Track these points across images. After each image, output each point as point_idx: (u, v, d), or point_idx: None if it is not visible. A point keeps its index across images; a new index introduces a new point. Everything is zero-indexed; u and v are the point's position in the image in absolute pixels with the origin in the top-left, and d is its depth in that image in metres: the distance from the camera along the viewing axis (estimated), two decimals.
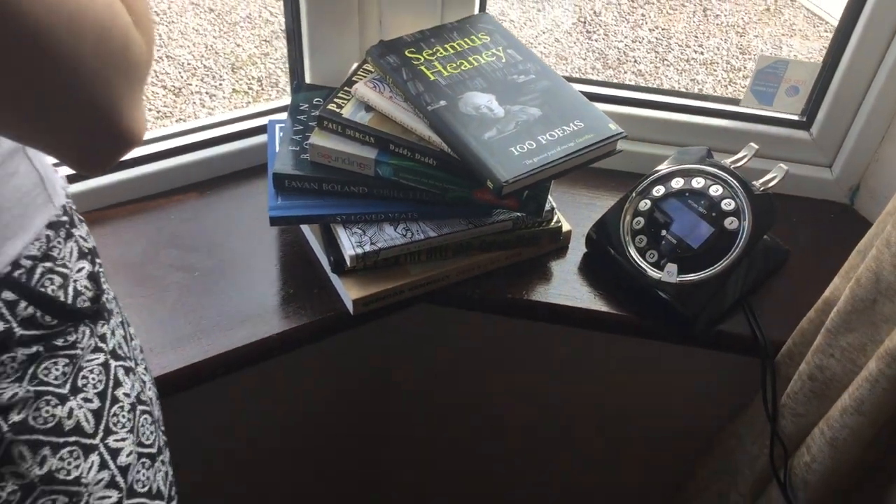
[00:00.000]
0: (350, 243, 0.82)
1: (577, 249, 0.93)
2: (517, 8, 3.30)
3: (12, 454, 0.56)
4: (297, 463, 1.15)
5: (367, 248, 0.82)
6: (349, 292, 0.83)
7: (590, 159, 0.80)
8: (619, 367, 1.04)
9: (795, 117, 0.98)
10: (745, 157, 0.89)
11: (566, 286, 0.89)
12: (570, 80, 0.89)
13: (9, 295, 0.56)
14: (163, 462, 0.67)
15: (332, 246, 0.84)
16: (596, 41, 3.15)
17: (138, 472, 0.63)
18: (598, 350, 1.01)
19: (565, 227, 0.91)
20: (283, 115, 0.92)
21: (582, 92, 0.86)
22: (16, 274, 0.56)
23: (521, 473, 1.22)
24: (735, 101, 0.99)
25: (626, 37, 3.20)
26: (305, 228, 0.90)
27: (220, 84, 2.79)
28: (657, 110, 0.99)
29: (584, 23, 3.25)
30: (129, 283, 0.84)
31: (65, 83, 0.43)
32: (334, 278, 0.85)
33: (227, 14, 3.10)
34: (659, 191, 0.88)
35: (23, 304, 0.57)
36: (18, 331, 0.56)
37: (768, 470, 0.87)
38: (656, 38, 3.22)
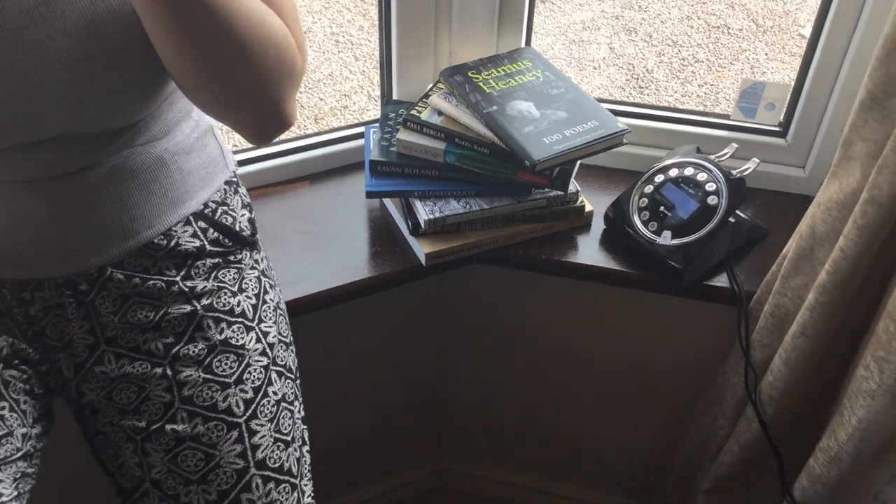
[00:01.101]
0: (424, 212, 1.11)
1: (597, 227, 1.20)
2: (574, 68, 3.61)
3: (202, 324, 0.85)
4: (372, 392, 1.43)
5: (437, 215, 1.11)
6: (423, 248, 1.11)
7: (602, 147, 1.09)
8: (631, 317, 1.29)
9: (774, 128, 1.25)
10: (726, 153, 1.16)
11: (588, 251, 1.16)
12: (600, 100, 1.18)
13: (202, 224, 0.86)
14: (292, 350, 0.96)
15: (410, 214, 1.13)
16: (647, 96, 3.43)
17: (279, 350, 0.92)
18: (613, 304, 1.27)
19: (588, 207, 1.19)
20: (376, 126, 1.23)
21: (607, 108, 1.14)
22: (206, 211, 0.87)
23: (556, 409, 1.47)
24: (726, 116, 1.27)
25: (675, 91, 3.48)
26: (389, 204, 1.19)
27: (304, 133, 3.16)
28: (663, 122, 1.27)
29: (637, 79, 3.54)
30: (264, 239, 1.14)
31: (256, 82, 0.70)
32: (411, 240, 1.14)
33: (312, 72, 3.48)
34: (659, 178, 1.15)
35: (210, 230, 0.87)
36: (208, 247, 0.87)
37: (744, 393, 1.12)
38: (705, 93, 3.49)
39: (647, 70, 3.60)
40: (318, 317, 1.12)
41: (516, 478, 1.61)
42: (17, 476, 0.73)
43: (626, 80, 3.55)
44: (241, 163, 1.23)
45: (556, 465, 1.57)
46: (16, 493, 0.71)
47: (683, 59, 3.69)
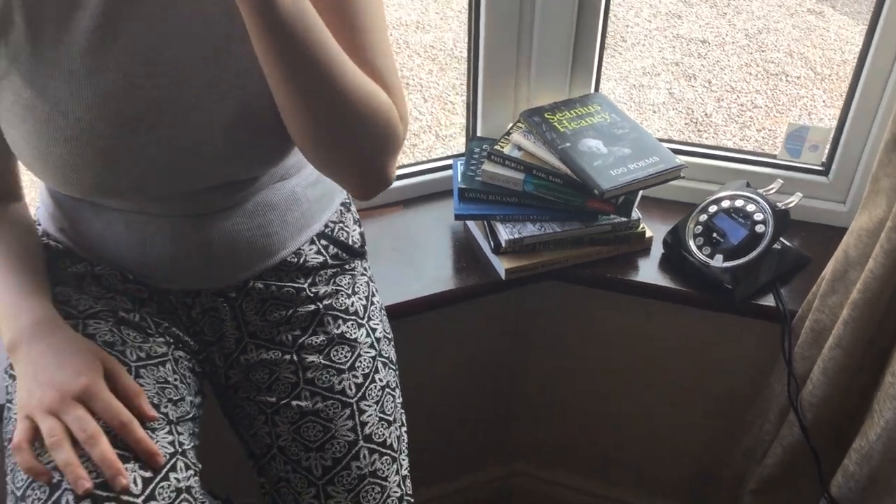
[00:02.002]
0: (505, 233, 1.28)
1: (656, 251, 1.35)
2: (635, 111, 3.77)
3: (323, 321, 1.03)
4: (449, 394, 1.59)
5: (516, 236, 1.28)
6: (503, 265, 1.28)
7: (662, 179, 1.25)
8: (685, 333, 1.43)
9: (817, 167, 1.39)
10: (773, 188, 1.31)
11: (648, 272, 1.32)
12: (661, 139, 1.34)
13: (324, 242, 1.05)
14: (393, 345, 1.13)
15: (492, 235, 1.30)
16: (706, 139, 3.57)
17: (383, 344, 1.09)
18: (670, 320, 1.42)
19: (648, 233, 1.34)
20: (462, 159, 1.40)
21: (669, 148, 1.31)
22: (326, 230, 1.06)
23: (618, 417, 1.61)
24: (774, 156, 1.41)
25: (734, 135, 3.61)
26: (472, 227, 1.36)
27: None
28: (717, 160, 1.42)
29: (696, 122, 3.68)
30: None
31: (363, 149, 0.85)
32: (493, 257, 1.31)
33: (412, 123, 3.70)
34: (713, 208, 1.30)
35: (330, 246, 1.06)
36: (328, 260, 1.05)
37: (787, 401, 1.25)
38: (763, 138, 3.61)
39: (706, 114, 3.74)
40: (407, 322, 1.29)
41: (582, 483, 1.74)
42: (190, 433, 0.91)
43: (685, 123, 3.69)
44: None
45: (618, 471, 1.70)
46: (191, 445, 0.89)
47: (742, 105, 3.82)
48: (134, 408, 0.83)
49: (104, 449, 0.77)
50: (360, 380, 1.00)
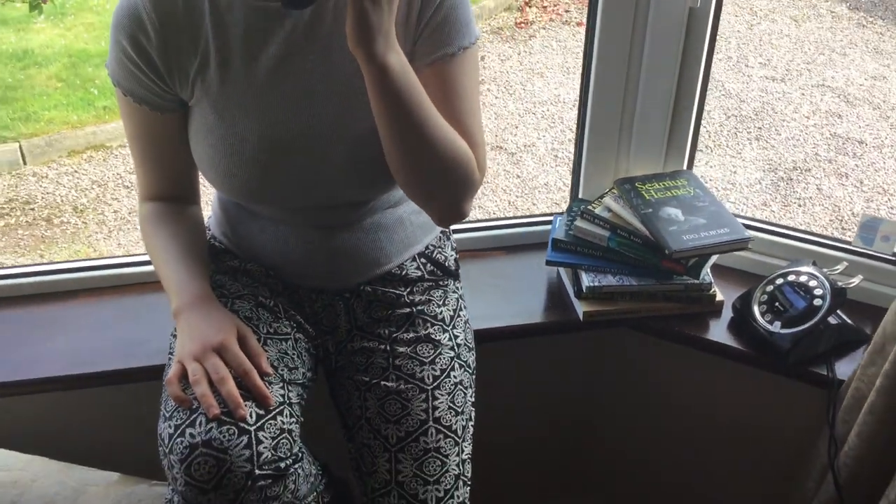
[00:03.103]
0: (587, 281, 1.48)
1: (726, 313, 1.51)
2: (779, 202, 3.83)
3: (415, 322, 1.27)
4: (525, 423, 1.77)
5: (597, 284, 1.47)
6: (583, 307, 1.48)
7: (728, 248, 1.42)
8: (743, 390, 1.56)
9: (888, 256, 1.51)
10: (837, 269, 1.45)
11: (715, 330, 1.47)
12: (736, 215, 1.50)
13: (423, 260, 1.30)
14: (473, 354, 1.34)
15: (577, 281, 1.51)
16: (849, 236, 3.58)
17: (463, 350, 1.31)
18: (731, 377, 1.55)
19: (719, 297, 1.50)
20: (562, 216, 1.62)
21: (745, 225, 1.48)
22: (426, 251, 1.31)
23: (679, 462, 1.74)
24: (848, 242, 1.54)
25: None
26: (562, 273, 1.57)
27: (502, 216, 3.61)
28: (796, 241, 1.57)
29: (841, 220, 3.70)
30: (469, 287, 1.55)
31: (445, 188, 1.12)
32: (575, 301, 1.51)
33: (530, 180, 3.95)
34: (779, 281, 1.45)
35: (428, 264, 1.30)
36: (425, 276, 1.30)
37: (827, 461, 1.36)
38: None
39: (853, 213, 3.75)
40: (498, 346, 1.50)
41: None
42: (298, 394, 1.16)
43: (830, 220, 3.72)
44: (462, 231, 1.66)
45: None
46: (297, 402, 1.14)
47: (892, 208, 3.80)
48: (256, 364, 1.10)
49: (230, 388, 1.03)
50: (438, 373, 1.23)
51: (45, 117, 4.10)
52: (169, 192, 1.25)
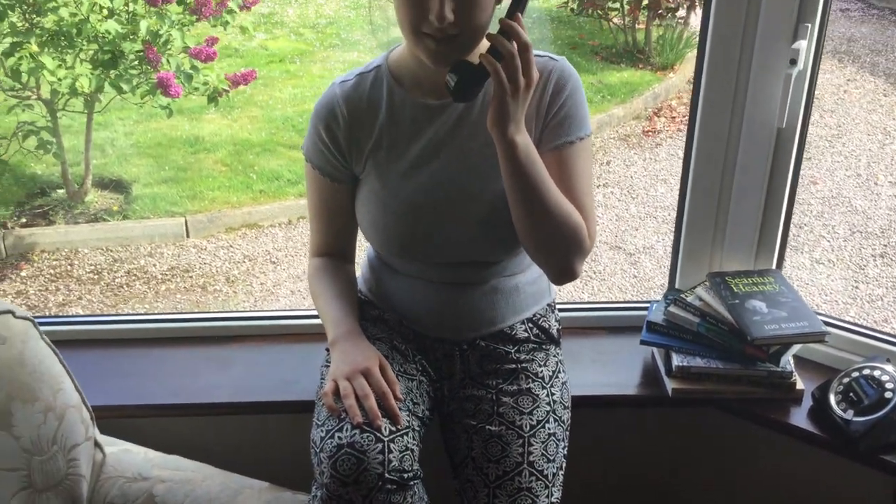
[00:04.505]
0: (677, 361, 1.67)
1: (807, 402, 1.65)
2: (857, 305, 3.84)
3: (518, 377, 1.50)
4: (610, 489, 1.93)
5: (685, 364, 1.66)
6: (671, 384, 1.66)
7: (805, 340, 1.58)
8: (817, 474, 1.68)
9: None
10: None
11: (795, 416, 1.62)
12: (820, 314, 1.67)
13: (530, 325, 1.53)
14: (569, 412, 1.54)
15: (667, 361, 1.69)
16: None
17: (558, 407, 1.51)
18: (806, 460, 1.68)
19: (800, 385, 1.65)
20: (657, 302, 1.82)
21: (828, 323, 1.64)
22: (534, 318, 1.54)
23: None
24: None
25: None
26: (655, 352, 1.76)
27: (607, 299, 3.76)
28: (874, 340, 1.70)
29: None
30: (570, 358, 1.76)
31: (559, 252, 1.37)
32: (665, 378, 1.69)
33: (647, 280, 4.11)
34: (855, 374, 1.59)
35: (535, 329, 1.54)
36: (531, 338, 1.53)
37: None
38: None
39: None
40: (593, 412, 1.70)
41: None
42: (418, 426, 1.38)
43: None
44: (569, 309, 1.89)
45: None
46: (418, 430, 1.36)
47: None
48: (391, 390, 1.35)
49: (372, 403, 1.29)
50: (534, 423, 1.44)
51: (209, 196, 4.61)
52: (333, 250, 1.56)
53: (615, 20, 6.22)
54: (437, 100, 1.39)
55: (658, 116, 5.69)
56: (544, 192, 1.32)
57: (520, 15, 1.28)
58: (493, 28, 1.30)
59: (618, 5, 6.08)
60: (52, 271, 4.17)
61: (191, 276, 4.18)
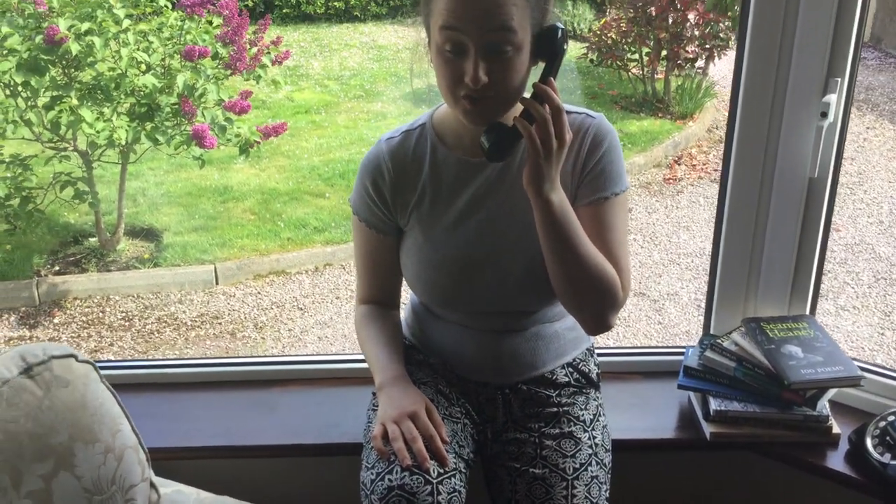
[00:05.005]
0: (715, 405, 1.70)
1: (844, 446, 1.67)
2: (883, 352, 3.84)
3: (560, 420, 1.54)
4: None
5: (723, 408, 1.69)
6: (709, 429, 1.69)
7: (840, 384, 1.61)
8: None
9: None
10: None
11: (832, 459, 1.64)
12: (857, 360, 1.69)
13: (570, 369, 1.58)
14: (609, 455, 1.57)
15: (705, 405, 1.72)
16: None
17: (600, 450, 1.54)
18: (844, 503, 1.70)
19: (836, 429, 1.67)
20: (693, 347, 1.85)
21: (863, 368, 1.67)
22: (573, 362, 1.58)
23: None
24: None
25: None
26: (692, 396, 1.79)
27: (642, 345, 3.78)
28: None
29: None
30: (609, 402, 1.79)
31: (592, 303, 1.42)
32: (703, 423, 1.72)
33: (672, 327, 4.13)
34: (891, 417, 1.62)
35: (575, 373, 1.58)
36: (572, 382, 1.57)
37: None
38: None
39: None
40: (631, 455, 1.72)
41: None
42: (464, 468, 1.42)
43: None
44: (607, 354, 1.92)
45: None
46: (464, 472, 1.40)
47: None
48: (438, 433, 1.38)
49: (420, 446, 1.33)
50: (577, 466, 1.47)
51: (238, 244, 4.70)
52: (379, 298, 1.61)
53: (634, 70, 6.34)
54: (479, 157, 1.45)
55: (678, 164, 5.76)
56: (579, 247, 1.36)
57: (552, 79, 1.34)
58: (528, 91, 1.36)
59: (637, 56, 6.19)
60: (84, 318, 4.25)
61: (220, 323, 4.24)
